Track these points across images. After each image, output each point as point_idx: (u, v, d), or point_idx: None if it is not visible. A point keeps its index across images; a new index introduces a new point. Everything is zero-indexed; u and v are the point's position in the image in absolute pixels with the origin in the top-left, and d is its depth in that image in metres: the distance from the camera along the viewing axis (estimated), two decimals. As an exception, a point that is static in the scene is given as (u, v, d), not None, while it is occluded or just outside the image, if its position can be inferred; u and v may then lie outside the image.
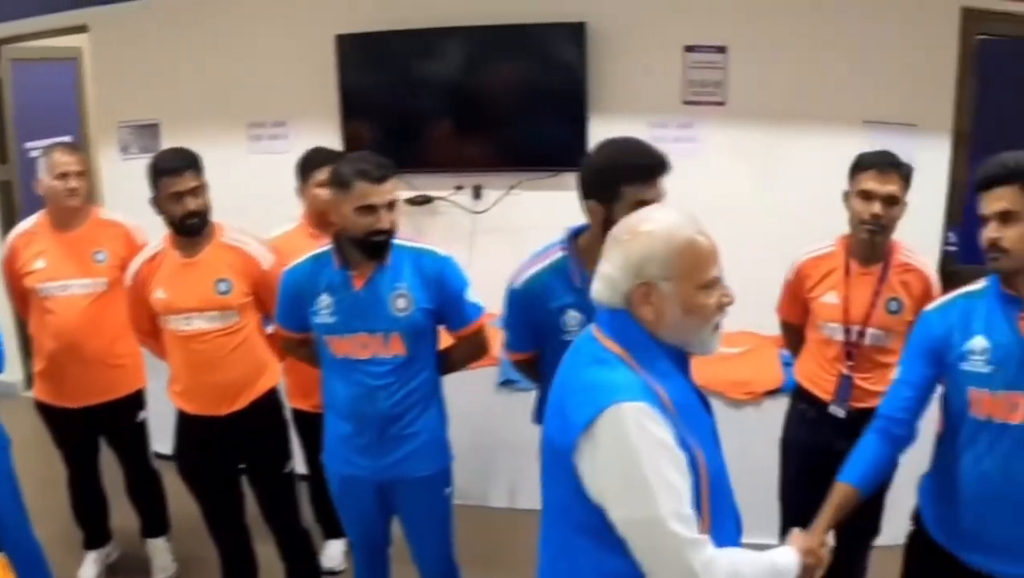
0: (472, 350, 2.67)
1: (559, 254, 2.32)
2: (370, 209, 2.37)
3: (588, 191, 2.17)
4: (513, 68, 4.28)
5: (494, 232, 4.25)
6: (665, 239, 1.55)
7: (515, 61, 4.28)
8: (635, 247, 1.55)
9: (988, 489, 2.02)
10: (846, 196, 2.70)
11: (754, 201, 4.18)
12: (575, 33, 4.16)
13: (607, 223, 2.18)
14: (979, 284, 2.09)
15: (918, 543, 2.22)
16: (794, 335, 3.02)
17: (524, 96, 4.29)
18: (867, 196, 2.61)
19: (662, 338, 1.57)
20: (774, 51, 4.16)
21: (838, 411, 2.76)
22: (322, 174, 3.02)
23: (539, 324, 2.33)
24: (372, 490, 2.58)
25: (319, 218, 3.09)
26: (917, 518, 2.23)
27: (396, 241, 2.48)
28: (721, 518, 1.58)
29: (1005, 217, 1.91)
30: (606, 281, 1.59)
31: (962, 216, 4.28)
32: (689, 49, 4.17)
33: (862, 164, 2.65)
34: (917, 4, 4.23)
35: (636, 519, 1.47)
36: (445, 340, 2.67)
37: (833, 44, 4.18)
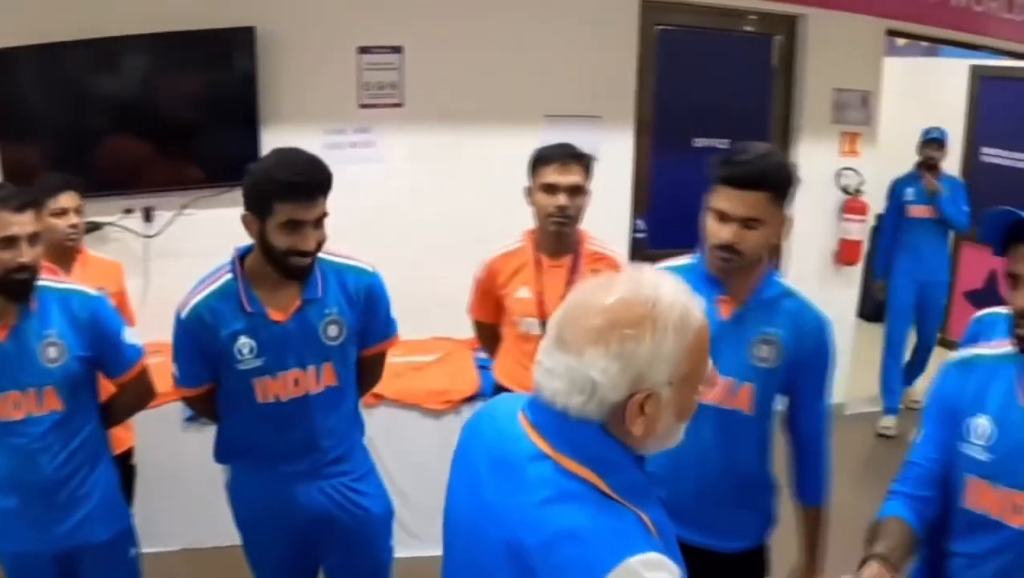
0: (138, 395, 2.42)
1: (227, 277, 2.14)
2: (10, 241, 2.08)
3: (246, 202, 2.07)
4: (181, 79, 3.96)
5: (169, 257, 3.92)
6: (678, 330, 1.13)
7: (183, 71, 3.97)
8: (639, 344, 1.11)
9: (707, 472, 1.99)
10: (528, 192, 2.67)
11: (437, 203, 4.08)
12: (244, 39, 3.89)
13: (262, 238, 2.06)
14: (683, 260, 2.04)
15: None
16: (489, 335, 2.97)
17: (193, 108, 3.98)
18: (551, 189, 2.59)
19: (638, 451, 1.19)
20: (451, 49, 4.09)
21: None
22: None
23: (211, 354, 2.15)
24: (49, 565, 2.27)
25: None
26: None
27: (41, 282, 2.19)
28: None
29: (749, 222, 1.86)
30: (582, 386, 1.13)
31: (648, 203, 4.35)
32: (363, 50, 4.01)
33: (542, 159, 2.63)
34: (597, -3, 4.26)
35: None
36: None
37: (513, 40, 4.16)
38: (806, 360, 1.98)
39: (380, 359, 2.42)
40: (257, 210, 2.04)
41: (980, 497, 1.67)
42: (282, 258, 2.07)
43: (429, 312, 3.68)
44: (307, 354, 2.17)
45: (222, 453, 2.33)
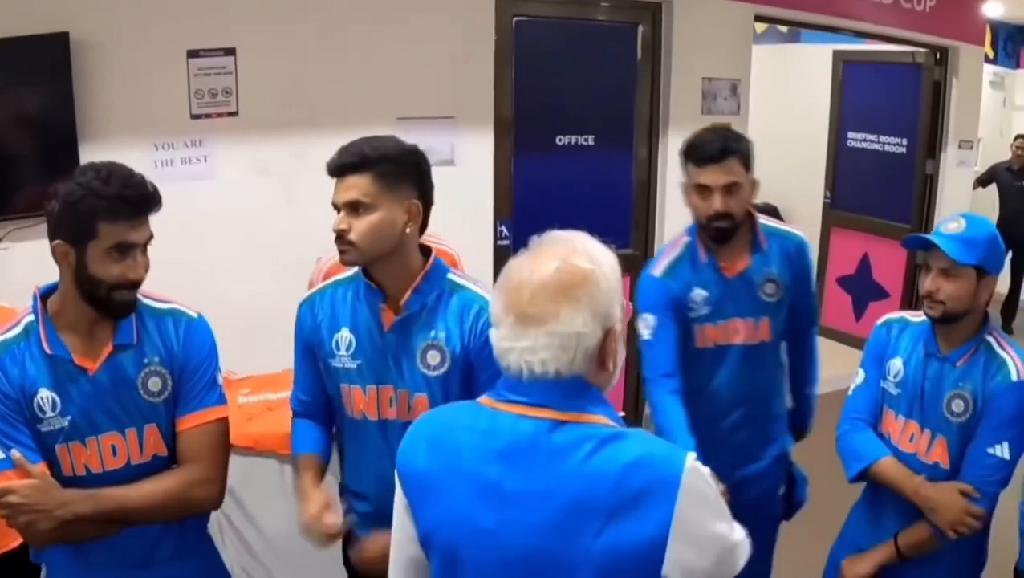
0: None
1: (27, 318, 1.80)
2: None
3: (56, 230, 1.73)
4: (-14, 94, 3.56)
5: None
6: (615, 269, 1.31)
7: (-13, 86, 3.57)
8: (600, 291, 1.27)
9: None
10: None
11: (282, 220, 3.78)
12: (56, 46, 3.50)
13: (79, 270, 1.71)
14: (351, 271, 2.04)
15: None
16: None
17: (1, 128, 3.58)
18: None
19: (605, 392, 1.33)
20: (290, 49, 3.78)
21: None
22: None
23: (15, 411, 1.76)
24: None
25: None
26: None
27: None
28: None
29: (355, 207, 1.86)
30: (569, 342, 1.24)
31: (512, 207, 4.15)
32: (193, 54, 3.67)
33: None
34: (449, -9, 4.03)
35: (729, 549, 1.28)
36: None
37: (359, 37, 3.89)
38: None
39: (201, 439, 1.90)
40: (75, 236, 1.71)
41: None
42: (107, 293, 1.74)
43: (281, 341, 3.36)
44: (124, 413, 1.82)
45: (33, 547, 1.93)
